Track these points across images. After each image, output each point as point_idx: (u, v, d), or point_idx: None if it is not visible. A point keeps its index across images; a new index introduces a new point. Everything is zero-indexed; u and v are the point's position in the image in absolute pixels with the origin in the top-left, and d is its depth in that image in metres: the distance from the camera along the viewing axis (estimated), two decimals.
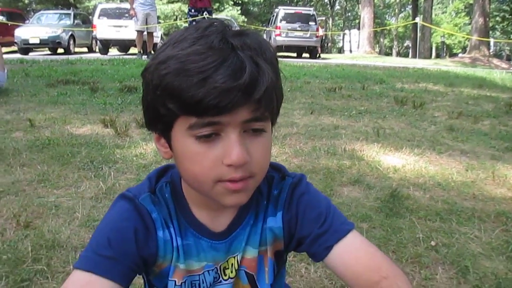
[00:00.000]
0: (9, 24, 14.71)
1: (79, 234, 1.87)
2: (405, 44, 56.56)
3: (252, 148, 0.69)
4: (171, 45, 0.68)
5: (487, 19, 21.22)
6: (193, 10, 10.48)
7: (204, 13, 10.39)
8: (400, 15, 52.22)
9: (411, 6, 36.78)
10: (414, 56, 24.09)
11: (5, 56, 5.51)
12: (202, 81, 0.62)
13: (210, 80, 0.62)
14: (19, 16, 17.65)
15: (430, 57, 28.15)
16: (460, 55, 27.97)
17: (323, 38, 20.11)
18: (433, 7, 33.86)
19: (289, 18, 17.14)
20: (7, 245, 1.75)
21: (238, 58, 0.63)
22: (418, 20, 18.91)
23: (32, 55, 13.27)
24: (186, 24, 10.86)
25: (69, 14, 16.83)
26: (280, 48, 16.87)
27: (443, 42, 53.32)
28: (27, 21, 16.53)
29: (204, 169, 0.69)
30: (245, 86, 0.62)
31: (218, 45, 0.64)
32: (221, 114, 0.64)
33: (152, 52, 10.45)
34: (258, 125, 0.68)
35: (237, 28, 0.71)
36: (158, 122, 0.71)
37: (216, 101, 0.62)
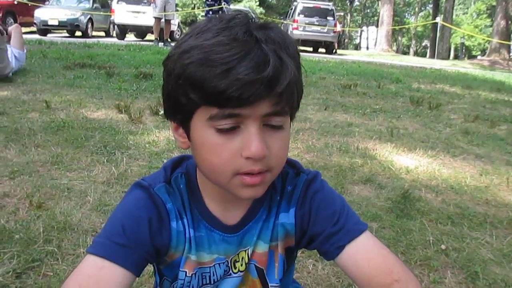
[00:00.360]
0: (29, 5, 14.79)
1: (90, 218, 1.88)
2: (423, 44, 55.91)
3: (271, 142, 0.68)
4: (194, 35, 0.67)
5: (509, 22, 20.84)
6: (210, 0, 10.45)
7: (223, 3, 10.35)
8: (420, 14, 51.55)
9: (431, 5, 36.28)
10: (432, 56, 23.80)
11: (24, 36, 5.55)
12: (225, 72, 0.62)
13: (234, 71, 0.61)
14: None
15: (448, 58, 27.82)
16: (479, 57, 27.57)
17: (341, 33, 19.93)
18: (454, 8, 33.33)
19: (307, 12, 17.03)
20: (20, 225, 1.77)
21: (262, 51, 0.63)
22: (439, 20, 18.64)
23: (50, 36, 13.36)
24: (203, 13, 10.80)
25: None
26: (297, 42, 16.74)
27: (462, 43, 52.60)
28: (47, 2, 16.61)
29: (222, 161, 0.68)
30: (268, 79, 0.62)
31: (243, 37, 0.64)
32: (242, 106, 0.64)
33: (169, 39, 10.46)
34: (278, 120, 0.68)
35: (255, 19, 0.70)
36: (178, 112, 0.71)
37: (238, 93, 0.62)
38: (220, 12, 10.10)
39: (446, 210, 2.28)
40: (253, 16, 0.82)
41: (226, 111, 0.64)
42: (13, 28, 5.24)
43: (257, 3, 32.97)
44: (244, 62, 0.62)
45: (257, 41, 0.64)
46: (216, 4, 10.38)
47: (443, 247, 1.90)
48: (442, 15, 26.02)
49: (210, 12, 10.33)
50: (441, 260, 1.80)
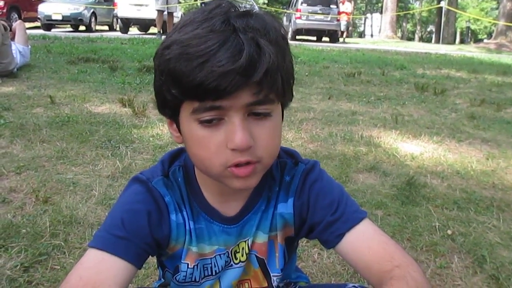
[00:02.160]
0: (33, 0, 14.83)
1: (96, 212, 1.90)
2: (428, 29, 55.38)
3: (256, 131, 0.68)
4: (178, 29, 0.67)
5: None
6: None
7: None
8: None
9: None
10: (437, 42, 23.57)
11: (28, 31, 5.57)
12: (201, 65, 0.61)
13: (208, 63, 0.61)
14: None
15: (454, 42, 27.54)
16: (485, 40, 27.24)
17: (349, 22, 19.72)
18: None
19: (310, 1, 16.85)
20: (26, 219, 1.79)
21: (238, 40, 0.62)
22: (443, 4, 18.43)
23: (54, 31, 13.37)
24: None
25: None
26: (300, 31, 16.67)
27: (468, 27, 52.00)
28: None
29: (210, 154, 0.68)
30: (243, 68, 0.61)
31: (220, 27, 0.63)
32: (222, 98, 0.63)
33: None
34: (262, 109, 0.67)
35: (256, 9, 0.69)
36: (167, 107, 0.72)
37: (214, 84, 0.61)
38: None
39: (452, 195, 2.27)
40: (255, 6, 0.81)
41: (207, 104, 0.64)
42: (17, 24, 5.26)
43: None
44: (219, 53, 0.61)
45: (235, 30, 0.63)
46: None
47: (449, 232, 1.90)
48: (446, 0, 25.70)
49: (203, 4, 10.25)
50: (447, 245, 1.80)
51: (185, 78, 0.63)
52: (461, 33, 52.39)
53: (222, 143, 0.67)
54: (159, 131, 3.05)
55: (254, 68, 0.62)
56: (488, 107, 4.48)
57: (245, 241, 0.84)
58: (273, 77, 0.64)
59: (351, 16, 19.55)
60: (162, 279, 0.97)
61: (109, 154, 2.57)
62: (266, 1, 32.51)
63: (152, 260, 1.19)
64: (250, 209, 0.83)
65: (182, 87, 0.64)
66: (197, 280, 0.85)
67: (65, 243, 1.65)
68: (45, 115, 3.27)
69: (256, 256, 0.86)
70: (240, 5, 0.69)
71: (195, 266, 0.83)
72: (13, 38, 4.94)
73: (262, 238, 0.85)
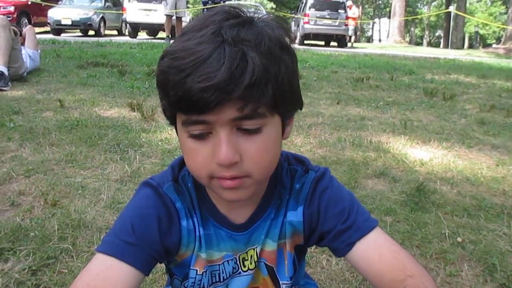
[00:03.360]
0: (43, 5, 15.00)
1: (104, 216, 1.90)
2: (436, 34, 55.17)
3: (245, 146, 0.66)
4: (177, 38, 0.68)
5: None
6: None
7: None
8: (433, 4, 50.82)
9: None
10: (446, 46, 23.46)
11: (38, 36, 5.63)
12: (182, 80, 0.61)
13: (189, 78, 0.61)
14: None
15: (462, 47, 27.40)
16: (494, 45, 27.07)
17: (357, 26, 19.72)
18: None
19: (318, 6, 16.91)
20: (35, 223, 1.79)
21: (223, 54, 0.61)
22: (452, 9, 18.36)
23: (64, 36, 13.51)
24: None
25: None
26: (308, 36, 16.70)
27: (476, 32, 51.76)
28: (60, 2, 16.82)
29: (197, 165, 0.69)
30: (222, 84, 0.60)
31: (209, 38, 0.62)
32: (205, 113, 0.63)
33: None
34: (250, 124, 0.65)
35: (264, 14, 0.69)
36: (166, 116, 0.73)
37: (195, 99, 0.61)
38: None
39: (462, 202, 2.24)
40: (262, 11, 0.81)
41: (193, 117, 0.64)
42: (27, 29, 5.31)
43: None
44: (201, 67, 0.61)
45: (223, 42, 0.62)
46: (210, 2, 10.31)
47: (459, 239, 1.87)
48: (455, 4, 25.61)
49: (205, 10, 10.30)
50: (457, 253, 1.77)
51: (170, 90, 0.63)
52: (470, 38, 52.14)
53: (208, 156, 0.67)
54: (168, 135, 3.05)
55: (235, 83, 0.60)
56: (498, 113, 4.44)
57: (254, 249, 0.84)
58: (260, 90, 0.62)
59: (358, 21, 19.54)
60: (170, 286, 0.96)
61: (118, 158, 2.58)
62: (274, 6, 32.57)
63: (160, 265, 1.19)
64: (259, 217, 0.82)
65: (169, 99, 0.65)
66: (205, 287, 0.84)
67: (73, 246, 1.65)
68: (54, 119, 3.29)
69: (265, 264, 0.85)
70: (244, 11, 0.68)
71: (204, 273, 0.83)
72: (23, 43, 4.99)
73: (271, 246, 0.84)
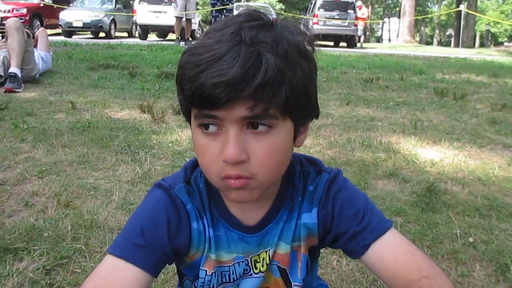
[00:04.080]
0: (55, 7, 15.18)
1: (116, 216, 1.92)
2: (447, 33, 54.72)
3: (253, 147, 0.67)
4: (201, 36, 0.71)
5: None
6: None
7: (225, 1, 10.31)
8: (443, 2, 50.41)
9: None
10: (456, 45, 23.26)
11: (50, 38, 5.70)
12: (197, 75, 0.63)
13: (203, 74, 0.62)
14: None
15: (473, 46, 27.14)
16: (506, 43, 26.77)
17: (366, 26, 19.67)
18: None
19: (327, 6, 16.87)
20: (48, 223, 1.82)
21: (238, 52, 0.62)
22: (463, 7, 18.19)
23: (75, 38, 13.64)
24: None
25: None
26: (317, 36, 16.65)
27: (488, 31, 51.24)
28: (71, 4, 16.99)
29: (207, 162, 0.70)
30: (234, 81, 0.61)
31: (228, 38, 0.64)
32: (216, 109, 0.64)
33: (190, 38, 10.53)
34: (262, 122, 0.66)
35: (273, 15, 0.70)
36: (183, 113, 0.75)
37: (207, 94, 0.62)
38: (224, 11, 10.12)
39: (474, 202, 2.23)
40: (272, 12, 0.82)
41: (204, 112, 0.66)
42: (39, 31, 5.39)
43: None
44: (215, 64, 0.62)
45: (241, 42, 0.63)
46: (218, 4, 10.33)
47: (471, 239, 1.86)
48: (466, 3, 25.36)
49: (214, 12, 10.33)
50: (469, 253, 1.77)
51: (185, 84, 0.65)
52: (481, 36, 51.64)
53: (217, 153, 0.67)
54: (178, 137, 3.07)
55: (247, 81, 0.61)
56: (510, 112, 4.39)
57: (266, 252, 0.83)
58: (272, 91, 0.63)
59: (368, 21, 19.46)
60: (180, 287, 0.97)
61: (129, 160, 2.60)
62: (283, 7, 32.56)
63: (172, 266, 1.20)
64: (271, 219, 0.82)
65: (184, 93, 0.67)
66: (215, 287, 0.85)
67: (86, 247, 1.67)
68: (66, 120, 3.33)
69: (278, 266, 0.85)
70: (267, 15, 0.69)
71: (213, 273, 0.83)
72: (35, 45, 5.05)
73: (284, 249, 0.84)
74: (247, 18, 0.67)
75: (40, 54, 5.00)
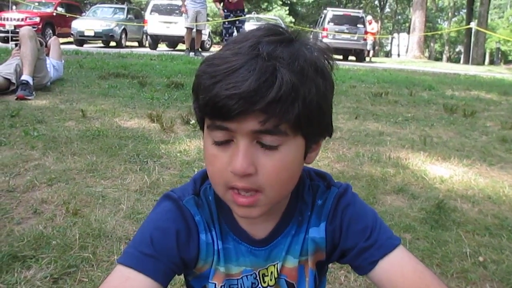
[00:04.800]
0: (67, 16, 15.39)
1: (124, 226, 1.92)
2: (456, 50, 54.70)
3: (262, 161, 0.67)
4: (221, 48, 0.71)
5: None
6: (225, 11, 10.52)
7: (238, 12, 10.40)
8: (453, 19, 50.48)
9: (465, 10, 35.47)
10: (466, 62, 23.22)
11: (62, 47, 5.77)
12: (212, 85, 0.63)
13: (219, 85, 0.63)
14: (77, 9, 18.45)
15: (483, 63, 27.09)
16: None
17: (375, 41, 19.72)
18: (489, 12, 32.47)
19: (337, 20, 16.97)
20: (57, 231, 1.82)
21: (254, 66, 0.62)
22: (473, 25, 18.18)
23: (86, 47, 13.80)
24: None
25: (123, 8, 17.43)
26: None
27: (498, 48, 51.15)
28: (83, 14, 17.23)
29: (215, 172, 0.70)
30: (247, 94, 0.61)
31: (246, 51, 0.64)
32: (229, 120, 0.64)
33: (200, 49, 10.61)
34: (270, 139, 0.66)
35: (283, 27, 0.70)
36: (197, 121, 0.76)
37: (220, 105, 0.63)
38: (236, 22, 10.23)
39: (484, 221, 2.21)
40: (282, 24, 0.82)
41: (216, 123, 0.66)
42: (52, 40, 5.45)
43: (287, 12, 33.06)
44: (231, 76, 0.62)
45: (258, 55, 0.64)
46: (231, 15, 10.42)
47: (481, 259, 1.84)
48: (476, 20, 25.38)
49: (226, 23, 10.42)
50: (479, 272, 1.74)
51: (200, 94, 0.66)
52: (491, 54, 51.58)
53: (226, 164, 0.68)
54: (186, 147, 3.08)
55: (260, 95, 0.62)
56: None
57: (274, 265, 0.83)
58: (285, 107, 0.63)
59: (377, 36, 19.51)
60: None
61: (137, 169, 2.61)
62: (293, 20, 32.77)
63: (179, 277, 1.20)
64: (280, 233, 0.82)
65: (198, 102, 0.68)
66: None
67: (94, 256, 1.67)
68: (76, 128, 3.36)
69: (286, 281, 0.85)
70: (287, 31, 0.69)
71: (222, 286, 0.83)
72: (48, 53, 5.11)
73: (292, 263, 0.83)
74: (267, 32, 0.68)
75: (52, 63, 5.05)
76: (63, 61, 5.49)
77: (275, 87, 0.62)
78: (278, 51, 0.65)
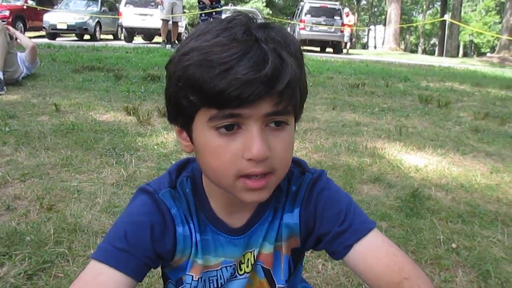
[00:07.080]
0: (38, 9, 14.99)
1: (100, 220, 1.89)
2: (431, 42, 55.60)
3: (273, 142, 0.67)
4: (195, 37, 0.67)
5: None
6: (201, 3, 10.41)
7: (214, 4, 10.29)
8: (428, 12, 51.26)
9: (439, 3, 36.04)
10: (440, 54, 23.64)
11: (33, 40, 5.59)
12: (224, 72, 0.61)
13: (232, 71, 0.61)
14: (48, 1, 17.93)
15: (457, 55, 27.63)
16: (488, 54, 27.29)
17: (352, 33, 19.87)
18: (463, 5, 33.06)
19: (314, 12, 17.01)
20: (31, 227, 1.79)
21: (261, 50, 0.63)
22: (447, 17, 18.50)
23: (59, 40, 13.48)
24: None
25: (97, 1, 17.01)
26: (304, 42, 16.77)
27: (471, 41, 52.21)
28: (55, 6, 16.79)
29: (224, 163, 0.67)
30: (268, 78, 0.62)
31: (242, 37, 0.64)
32: (243, 106, 0.63)
33: (176, 41, 10.50)
34: (281, 118, 0.67)
35: (261, 20, 0.70)
36: (180, 115, 0.71)
37: (237, 93, 0.61)
38: (213, 14, 10.10)
39: (457, 209, 2.26)
40: (258, 16, 0.82)
41: (226, 111, 0.64)
42: (30, 48, 5.07)
43: (264, 4, 32.99)
44: (243, 61, 0.61)
45: (257, 40, 0.64)
46: (207, 7, 10.31)
47: (453, 245, 1.89)
48: (450, 13, 25.84)
49: (203, 15, 10.29)
50: (452, 258, 1.79)
51: (205, 85, 0.63)
52: (464, 47, 52.60)
53: (238, 152, 0.66)
54: (164, 139, 3.06)
55: (278, 78, 0.62)
56: (492, 121, 4.47)
57: (251, 252, 0.84)
58: (293, 89, 0.65)
59: (354, 28, 19.67)
60: None
61: (114, 162, 2.57)
62: (271, 12, 32.72)
63: (157, 270, 1.19)
64: (257, 220, 0.82)
65: (201, 94, 0.64)
66: None
67: (69, 251, 1.65)
68: (50, 123, 3.29)
69: (262, 267, 0.85)
70: (257, 18, 0.69)
71: (200, 279, 0.82)
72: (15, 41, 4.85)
73: (268, 249, 0.84)
74: (247, 19, 0.67)
75: (23, 59, 4.88)
76: (38, 63, 5.30)
77: (288, 69, 0.63)
78: (272, 35, 0.65)
